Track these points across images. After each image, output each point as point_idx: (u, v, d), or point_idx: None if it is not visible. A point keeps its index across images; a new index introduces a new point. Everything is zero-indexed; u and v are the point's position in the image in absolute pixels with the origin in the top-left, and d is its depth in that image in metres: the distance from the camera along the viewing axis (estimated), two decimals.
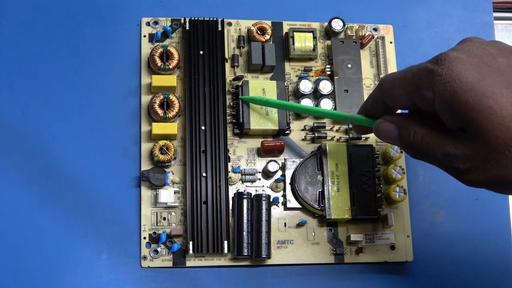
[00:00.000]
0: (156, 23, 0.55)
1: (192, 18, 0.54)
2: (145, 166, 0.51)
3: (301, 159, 0.52)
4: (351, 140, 0.54)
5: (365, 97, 0.55)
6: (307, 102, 0.53)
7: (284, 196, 0.52)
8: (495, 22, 0.62)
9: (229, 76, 0.54)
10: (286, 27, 0.57)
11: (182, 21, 0.55)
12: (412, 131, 0.39)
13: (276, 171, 0.52)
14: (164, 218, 0.51)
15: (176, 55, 0.53)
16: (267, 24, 0.55)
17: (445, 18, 0.60)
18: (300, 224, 0.52)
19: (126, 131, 0.53)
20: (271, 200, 0.51)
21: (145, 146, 0.52)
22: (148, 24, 0.55)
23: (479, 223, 0.55)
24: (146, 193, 0.51)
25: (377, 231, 0.52)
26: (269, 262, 0.51)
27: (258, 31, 0.55)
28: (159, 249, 0.50)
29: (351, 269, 0.52)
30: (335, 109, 0.54)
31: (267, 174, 0.52)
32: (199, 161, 0.50)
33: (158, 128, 0.51)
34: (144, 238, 0.50)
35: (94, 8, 0.55)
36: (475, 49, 0.37)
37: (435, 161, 0.38)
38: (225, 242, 0.49)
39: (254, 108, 0.52)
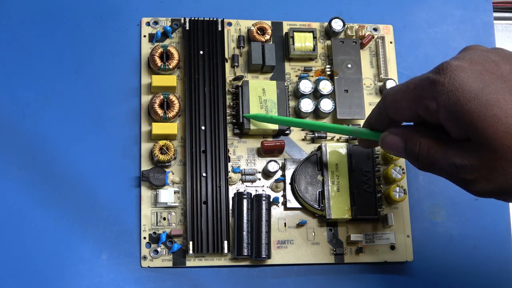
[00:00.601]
0: (156, 23, 0.55)
1: (192, 18, 0.54)
2: (145, 166, 0.51)
3: (301, 159, 0.52)
4: (351, 140, 0.54)
5: (365, 97, 0.55)
6: (307, 102, 0.53)
7: (284, 196, 0.52)
8: (495, 22, 0.62)
9: (229, 76, 0.54)
10: (286, 27, 0.57)
11: (182, 21, 0.55)
12: (418, 143, 0.38)
13: (276, 171, 0.52)
14: (164, 218, 0.51)
15: (176, 55, 0.53)
16: (267, 24, 0.55)
17: (445, 18, 0.60)
18: (300, 224, 0.52)
19: (126, 131, 0.53)
20: (271, 200, 0.51)
21: (145, 146, 0.52)
22: (148, 24, 0.55)
23: (479, 223, 0.55)
24: (146, 193, 0.51)
25: (377, 231, 0.52)
26: (269, 262, 0.51)
27: (258, 31, 0.55)
28: (159, 249, 0.50)
29: (351, 269, 0.52)
30: (335, 109, 0.54)
31: (267, 174, 0.52)
32: (199, 161, 0.50)
33: (158, 128, 0.51)
34: (144, 238, 0.50)
35: (94, 8, 0.55)
36: (477, 56, 0.37)
37: (442, 172, 0.37)
38: (225, 242, 0.49)
39: (254, 108, 0.52)
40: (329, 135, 0.54)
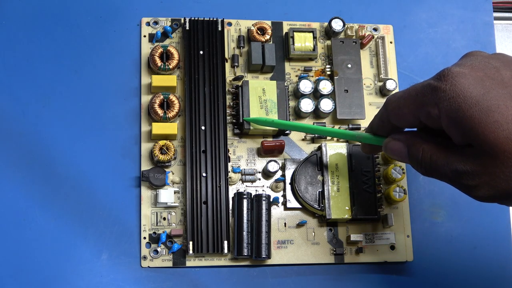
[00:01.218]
0: (156, 23, 0.55)
1: (192, 18, 0.54)
2: (145, 166, 0.51)
3: (301, 159, 0.52)
4: (351, 140, 0.54)
5: (365, 97, 0.55)
6: (307, 102, 0.53)
7: (284, 196, 0.52)
8: (495, 22, 0.62)
9: (229, 76, 0.54)
10: (286, 27, 0.57)
11: (182, 21, 0.55)
12: (421, 150, 0.38)
13: (276, 171, 0.52)
14: (164, 218, 0.51)
15: (176, 55, 0.53)
16: (267, 24, 0.55)
17: (445, 18, 0.60)
18: (300, 224, 0.52)
19: (126, 131, 0.53)
20: (271, 200, 0.51)
21: (145, 146, 0.52)
22: (148, 24, 0.55)
23: (479, 223, 0.55)
24: (146, 193, 0.51)
25: (377, 231, 0.52)
26: (269, 262, 0.51)
27: (258, 31, 0.55)
28: (159, 249, 0.50)
29: (351, 269, 0.52)
30: (335, 109, 0.54)
31: (267, 174, 0.52)
32: (199, 161, 0.50)
33: (158, 128, 0.51)
34: (144, 238, 0.50)
35: (94, 8, 0.55)
36: (478, 63, 0.37)
37: (445, 178, 0.38)
38: (225, 242, 0.49)
39: (254, 108, 0.52)
40: None
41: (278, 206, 0.52)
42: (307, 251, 0.51)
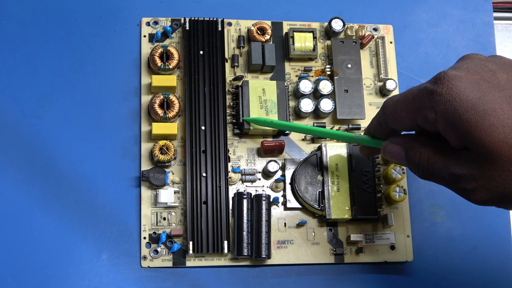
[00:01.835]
0: (156, 23, 0.55)
1: (192, 18, 0.54)
2: (145, 166, 0.51)
3: (301, 159, 0.52)
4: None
5: (365, 97, 0.55)
6: (307, 102, 0.53)
7: (284, 196, 0.52)
8: (495, 22, 0.62)
9: (229, 76, 0.54)
10: (286, 27, 0.57)
11: (182, 21, 0.55)
12: (418, 153, 0.38)
13: (276, 171, 0.52)
14: (164, 218, 0.51)
15: (176, 55, 0.53)
16: (267, 24, 0.55)
17: (445, 18, 0.60)
18: (300, 224, 0.52)
19: (126, 131, 0.53)
20: (271, 200, 0.51)
21: (145, 146, 0.52)
22: (148, 24, 0.55)
23: (479, 223, 0.55)
24: (146, 193, 0.51)
25: (377, 231, 0.52)
26: (269, 262, 0.51)
27: (258, 31, 0.55)
28: (159, 249, 0.50)
29: (351, 269, 0.52)
30: (335, 109, 0.54)
31: (267, 174, 0.52)
32: (199, 161, 0.50)
33: (158, 128, 0.51)
34: (144, 238, 0.50)
35: (94, 8, 0.55)
36: (474, 66, 0.37)
37: (442, 181, 0.38)
38: (225, 242, 0.49)
39: (254, 108, 0.52)
40: None
41: (278, 206, 0.52)
42: (307, 251, 0.51)
